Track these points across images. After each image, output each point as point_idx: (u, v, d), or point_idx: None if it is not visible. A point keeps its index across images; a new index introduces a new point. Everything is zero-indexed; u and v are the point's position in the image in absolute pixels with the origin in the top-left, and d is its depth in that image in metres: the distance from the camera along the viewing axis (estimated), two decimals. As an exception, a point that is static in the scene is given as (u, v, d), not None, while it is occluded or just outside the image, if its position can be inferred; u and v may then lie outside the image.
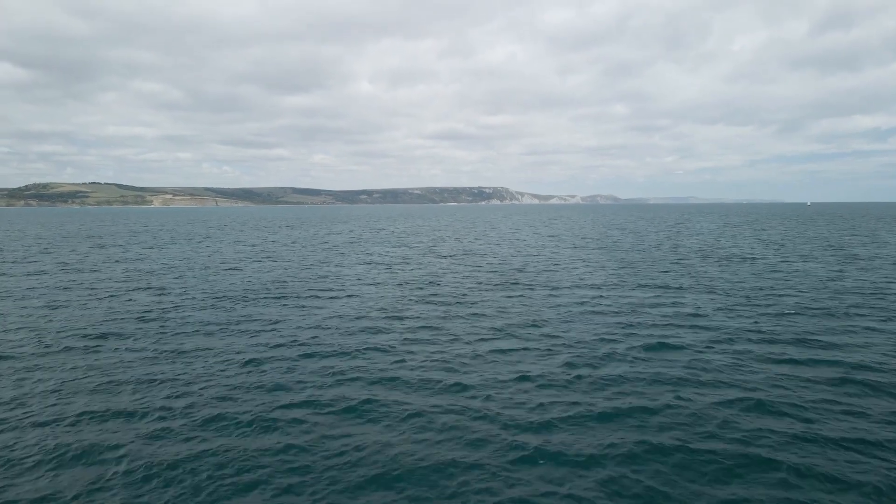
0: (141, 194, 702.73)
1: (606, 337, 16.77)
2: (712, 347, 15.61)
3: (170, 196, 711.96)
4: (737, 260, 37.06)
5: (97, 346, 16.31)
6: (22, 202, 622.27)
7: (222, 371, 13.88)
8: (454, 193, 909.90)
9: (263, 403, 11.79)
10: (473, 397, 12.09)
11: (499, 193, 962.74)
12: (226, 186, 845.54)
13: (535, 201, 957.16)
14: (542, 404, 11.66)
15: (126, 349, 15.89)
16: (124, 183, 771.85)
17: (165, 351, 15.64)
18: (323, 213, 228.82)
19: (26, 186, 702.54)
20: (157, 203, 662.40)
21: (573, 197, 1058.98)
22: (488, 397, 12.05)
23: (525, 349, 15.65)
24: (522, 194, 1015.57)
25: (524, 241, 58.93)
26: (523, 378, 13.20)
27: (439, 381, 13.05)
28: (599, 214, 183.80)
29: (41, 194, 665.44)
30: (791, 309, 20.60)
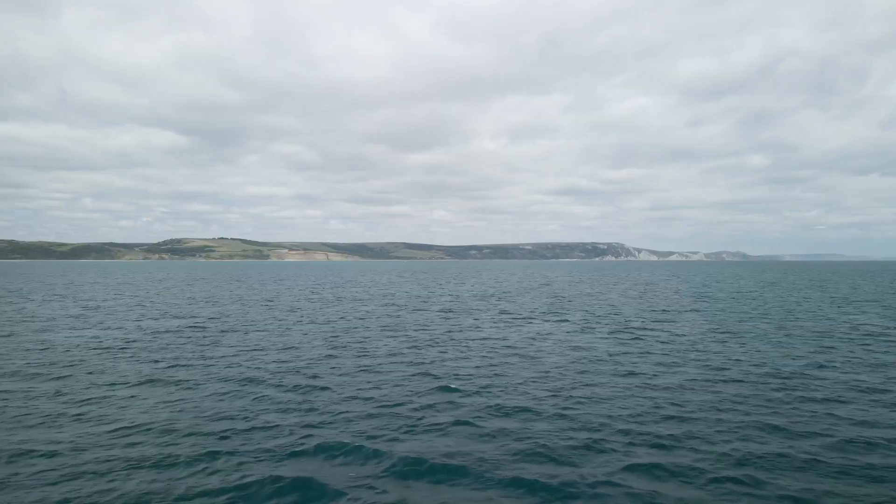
0: (260, 249, 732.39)
1: None
2: None
3: (285, 251, 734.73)
4: None
5: None
6: (156, 255, 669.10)
7: None
8: (566, 249, 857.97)
9: None
10: None
11: (613, 249, 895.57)
12: (340, 241, 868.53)
13: (654, 258, 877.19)
14: None
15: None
16: (255, 239, 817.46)
17: None
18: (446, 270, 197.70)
19: (163, 242, 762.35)
20: (273, 257, 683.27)
21: (695, 253, 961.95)
22: None
23: None
24: (640, 250, 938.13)
25: None
26: None
27: None
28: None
29: (174, 248, 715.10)
30: None
